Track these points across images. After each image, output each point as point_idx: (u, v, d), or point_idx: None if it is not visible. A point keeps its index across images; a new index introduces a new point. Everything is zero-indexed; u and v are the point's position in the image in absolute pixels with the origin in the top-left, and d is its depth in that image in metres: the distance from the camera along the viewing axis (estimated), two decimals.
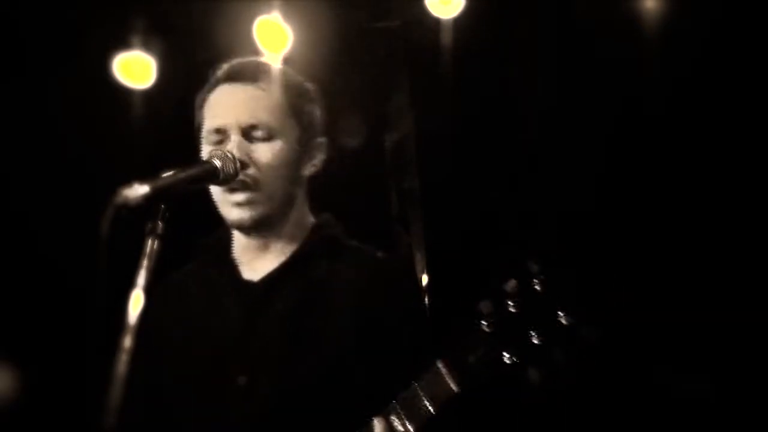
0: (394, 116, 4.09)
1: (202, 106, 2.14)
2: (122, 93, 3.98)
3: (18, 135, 3.80)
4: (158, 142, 3.74)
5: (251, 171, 2.01)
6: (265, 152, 2.04)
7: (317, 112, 2.19)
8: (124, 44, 3.94)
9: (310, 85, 2.20)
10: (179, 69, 3.92)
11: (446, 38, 3.81)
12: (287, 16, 3.81)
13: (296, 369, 1.96)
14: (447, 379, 1.74)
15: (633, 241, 3.51)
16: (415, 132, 4.04)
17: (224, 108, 2.08)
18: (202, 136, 2.12)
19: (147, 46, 3.96)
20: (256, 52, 3.69)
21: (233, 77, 2.11)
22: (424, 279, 3.86)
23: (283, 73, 2.17)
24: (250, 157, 2.02)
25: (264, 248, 2.12)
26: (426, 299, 3.52)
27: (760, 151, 3.52)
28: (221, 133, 2.05)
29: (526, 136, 3.80)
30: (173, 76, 3.95)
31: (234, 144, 2.01)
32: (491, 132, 3.85)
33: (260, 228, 2.08)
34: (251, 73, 2.11)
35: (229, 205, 2.03)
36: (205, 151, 2.08)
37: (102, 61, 3.94)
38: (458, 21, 3.77)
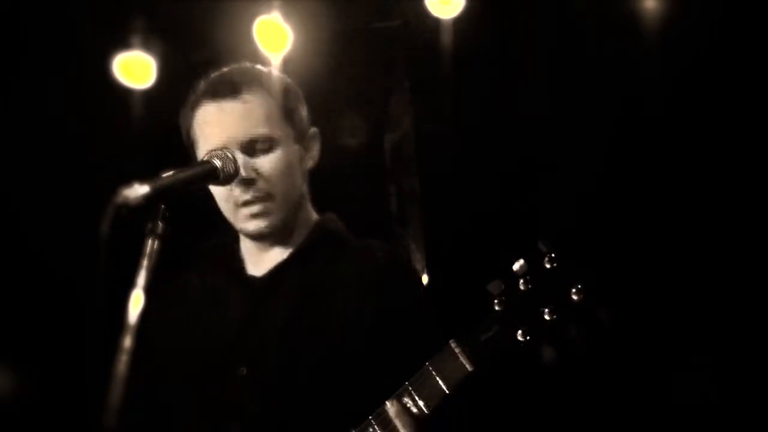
0: (394, 116, 4.09)
1: (190, 125, 2.12)
2: (122, 93, 3.98)
3: (18, 135, 3.80)
4: (158, 142, 3.74)
5: (261, 184, 2.02)
6: (270, 163, 2.04)
7: (302, 105, 2.19)
8: (124, 44, 3.94)
9: (289, 81, 2.19)
10: (179, 69, 3.92)
11: (446, 38, 3.80)
12: (287, 16, 3.81)
13: (297, 361, 1.97)
14: (461, 358, 1.74)
15: (631, 242, 3.50)
16: (415, 132, 4.03)
17: (217, 128, 2.05)
18: (197, 155, 2.10)
19: (147, 46, 3.96)
20: (256, 52, 3.69)
21: (214, 94, 2.08)
22: (424, 279, 3.86)
23: (264, 76, 2.15)
24: (257, 172, 2.02)
25: (269, 246, 2.14)
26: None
27: (760, 151, 3.51)
28: None
29: (525, 135, 3.80)
30: (173, 76, 3.95)
31: (238, 162, 1.98)
32: (491, 132, 3.85)
33: (277, 233, 2.09)
34: (232, 87, 2.07)
35: (245, 218, 2.05)
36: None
37: (102, 61, 3.93)
38: (458, 21, 3.76)
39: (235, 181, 1.98)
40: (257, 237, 2.11)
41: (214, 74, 2.15)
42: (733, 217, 3.50)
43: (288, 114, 2.12)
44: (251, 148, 2.03)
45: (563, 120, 3.71)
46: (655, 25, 3.61)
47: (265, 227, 2.05)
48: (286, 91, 2.16)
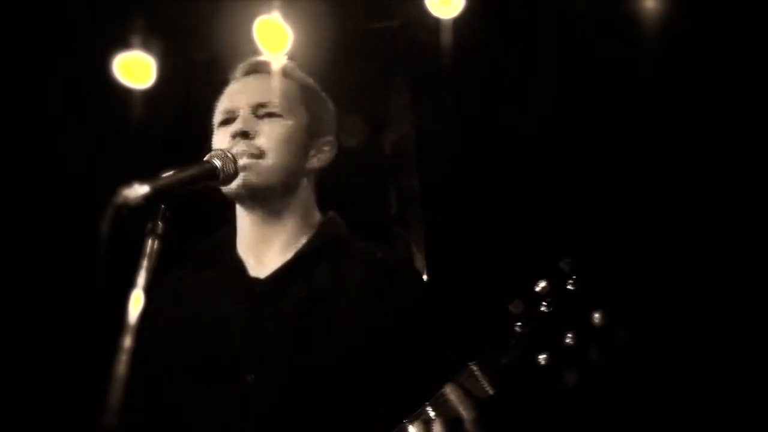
0: (394, 116, 4.09)
1: (218, 99, 2.22)
2: (122, 93, 3.98)
3: (18, 135, 3.80)
4: (158, 142, 3.74)
5: (257, 141, 2.06)
6: (272, 126, 2.10)
7: (329, 114, 2.27)
8: (124, 44, 3.95)
9: (323, 93, 2.29)
10: (179, 69, 3.92)
11: (446, 38, 3.81)
12: (287, 16, 3.81)
13: (303, 366, 1.96)
14: (482, 381, 1.73)
15: (630, 242, 3.50)
16: (415, 132, 4.04)
17: (236, 93, 2.17)
18: (213, 127, 2.17)
19: (147, 46, 3.96)
20: (256, 52, 3.69)
21: (245, 72, 2.23)
22: (424, 279, 3.86)
23: (296, 70, 2.27)
24: (256, 130, 2.08)
25: (269, 242, 2.13)
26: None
27: (760, 151, 3.52)
28: (230, 113, 2.12)
29: (525, 135, 3.80)
30: (173, 76, 3.95)
31: (241, 119, 2.09)
32: (491, 131, 3.85)
33: (258, 200, 2.10)
34: (262, 67, 2.23)
35: None
36: (215, 137, 2.14)
37: (102, 61, 3.94)
38: (458, 21, 3.77)
39: (234, 132, 2.06)
40: (237, 195, 2.09)
41: (249, 59, 2.27)
42: (734, 218, 3.50)
43: (308, 104, 2.19)
44: (258, 110, 2.11)
45: (563, 119, 3.71)
46: (655, 25, 3.61)
47: (247, 184, 2.04)
48: (314, 90, 2.25)
